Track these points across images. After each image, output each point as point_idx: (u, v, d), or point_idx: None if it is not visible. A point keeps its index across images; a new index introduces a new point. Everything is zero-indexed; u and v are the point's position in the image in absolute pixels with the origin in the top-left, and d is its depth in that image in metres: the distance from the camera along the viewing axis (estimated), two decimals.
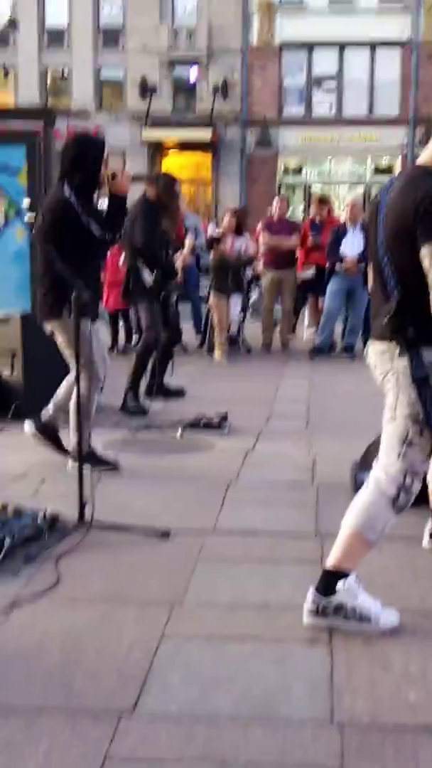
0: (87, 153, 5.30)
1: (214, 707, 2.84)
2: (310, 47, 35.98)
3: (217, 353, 10.23)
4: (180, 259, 8.18)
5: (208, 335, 10.80)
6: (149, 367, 7.58)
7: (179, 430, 6.34)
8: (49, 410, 5.58)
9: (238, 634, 3.34)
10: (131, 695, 2.90)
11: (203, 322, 11.14)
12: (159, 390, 7.78)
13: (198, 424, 6.45)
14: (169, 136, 35.92)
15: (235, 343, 10.82)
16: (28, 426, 5.62)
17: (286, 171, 37.69)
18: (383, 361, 3.46)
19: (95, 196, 5.54)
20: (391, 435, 3.47)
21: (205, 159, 36.99)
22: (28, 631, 3.35)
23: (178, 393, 7.94)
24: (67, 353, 5.35)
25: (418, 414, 3.36)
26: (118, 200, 5.39)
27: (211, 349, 10.48)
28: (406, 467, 3.40)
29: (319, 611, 3.36)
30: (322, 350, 10.52)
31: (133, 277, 7.42)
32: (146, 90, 35.53)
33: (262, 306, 11.26)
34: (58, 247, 5.16)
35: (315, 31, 34.88)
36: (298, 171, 37.72)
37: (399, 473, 3.40)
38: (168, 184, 7.52)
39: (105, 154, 5.38)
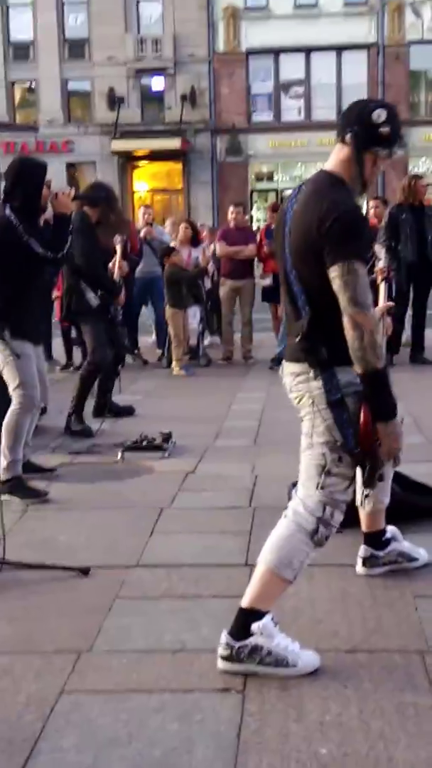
0: (27, 174, 5.35)
1: None
2: (276, 53, 35.93)
3: (174, 367, 10.00)
4: (116, 270, 7.88)
5: (166, 348, 10.57)
6: (95, 386, 7.33)
7: (119, 453, 6.08)
8: None
9: (145, 685, 3.08)
10: (17, 765, 2.64)
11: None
12: (108, 409, 7.52)
13: (140, 446, 6.19)
14: (139, 146, 35.75)
15: (196, 355, 10.59)
16: None
17: (258, 177, 37.58)
18: (297, 384, 3.25)
19: (40, 216, 5.71)
20: (308, 464, 3.25)
21: (176, 168, 36.86)
22: None
23: (128, 411, 7.69)
24: (4, 374, 5.26)
25: (336, 441, 3.13)
26: (61, 218, 5.46)
27: (170, 363, 10.24)
28: (325, 499, 3.17)
29: (233, 656, 3.12)
30: (281, 360, 10.25)
31: (75, 298, 7.17)
32: (114, 101, 35.37)
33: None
34: (0, 268, 5.19)
35: (281, 36, 34.84)
36: (270, 177, 37.62)
37: (318, 505, 3.17)
38: (105, 196, 7.28)
39: (46, 176, 5.51)
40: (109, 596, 3.80)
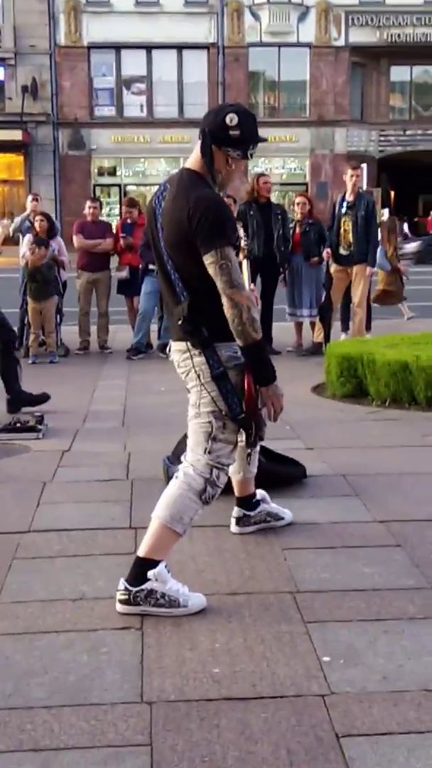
0: None
1: (28, 698, 2.95)
2: (117, 48, 36.15)
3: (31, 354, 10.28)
4: None
5: (24, 338, 10.79)
6: None
7: None
8: None
9: (52, 627, 3.45)
10: None
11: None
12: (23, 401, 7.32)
13: (12, 428, 6.47)
14: None
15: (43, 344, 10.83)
16: None
17: (100, 172, 37.73)
18: (183, 361, 3.66)
19: None
20: (196, 431, 3.66)
21: (17, 159, 36.53)
22: None
23: (43, 398, 7.44)
24: None
25: (221, 410, 3.57)
26: None
27: (27, 352, 10.47)
28: (212, 461, 3.60)
29: (130, 599, 3.52)
30: (138, 350, 10.67)
31: None
32: None
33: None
34: None
35: (122, 32, 35.12)
36: (113, 172, 37.85)
37: (206, 467, 3.60)
38: None
39: None
40: (6, 558, 4.12)
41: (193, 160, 3.64)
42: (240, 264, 3.66)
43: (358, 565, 4.01)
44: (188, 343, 3.60)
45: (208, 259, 3.43)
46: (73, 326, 11.38)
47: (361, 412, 7.22)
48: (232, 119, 3.53)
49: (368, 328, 10.93)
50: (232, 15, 36.32)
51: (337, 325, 11.20)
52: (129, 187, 37.19)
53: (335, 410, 7.36)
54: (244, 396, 3.56)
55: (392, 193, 41.20)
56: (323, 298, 10.62)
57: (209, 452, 3.61)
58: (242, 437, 3.69)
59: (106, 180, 37.80)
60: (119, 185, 37.48)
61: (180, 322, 3.57)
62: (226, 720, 2.81)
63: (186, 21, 35.67)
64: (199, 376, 3.61)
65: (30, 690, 3.00)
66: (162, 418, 6.99)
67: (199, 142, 3.62)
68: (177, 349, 3.70)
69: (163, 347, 10.81)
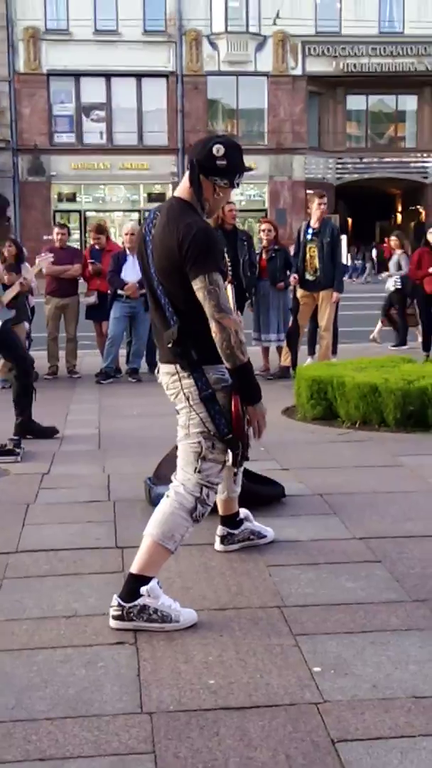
0: None
1: (31, 710, 3.03)
2: (77, 76, 36.42)
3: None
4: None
5: None
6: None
7: None
8: None
9: (48, 643, 3.53)
10: None
11: None
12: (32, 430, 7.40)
13: None
14: None
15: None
16: None
17: (60, 198, 37.87)
18: (173, 383, 3.77)
19: None
20: (186, 451, 3.77)
21: None
22: None
23: (51, 431, 7.51)
24: None
25: (209, 430, 3.69)
26: None
27: None
28: (202, 480, 3.72)
29: (124, 615, 3.61)
30: (108, 374, 10.77)
31: None
32: None
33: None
34: None
35: (81, 60, 35.41)
36: (72, 198, 38.02)
37: (196, 486, 3.72)
38: None
39: None
40: None
41: (181, 188, 3.78)
42: (225, 289, 3.79)
43: (341, 580, 4.14)
44: (177, 366, 3.72)
45: (196, 285, 3.56)
46: (41, 351, 11.44)
47: (332, 434, 7.38)
48: (218, 150, 3.68)
49: (334, 352, 11.14)
50: (191, 44, 36.81)
51: (303, 349, 11.39)
52: (89, 213, 37.37)
53: (307, 432, 7.51)
54: (231, 417, 3.69)
55: (350, 220, 41.85)
56: (290, 323, 10.81)
57: (199, 471, 3.72)
58: (229, 457, 3.81)
59: (66, 206, 37.96)
60: (79, 211, 37.64)
61: (170, 345, 3.68)
62: (225, 728, 2.91)
63: (145, 49, 36.09)
64: (188, 398, 3.72)
65: (32, 703, 3.08)
66: (137, 441, 7.09)
67: (187, 173, 3.76)
68: (166, 371, 3.82)
69: (132, 372, 10.94)
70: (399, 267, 13.96)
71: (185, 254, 3.54)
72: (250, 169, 3.86)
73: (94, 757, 2.75)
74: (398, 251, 14.29)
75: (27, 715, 3.00)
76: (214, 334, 3.57)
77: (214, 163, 3.68)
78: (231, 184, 3.75)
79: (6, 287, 7.96)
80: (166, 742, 2.83)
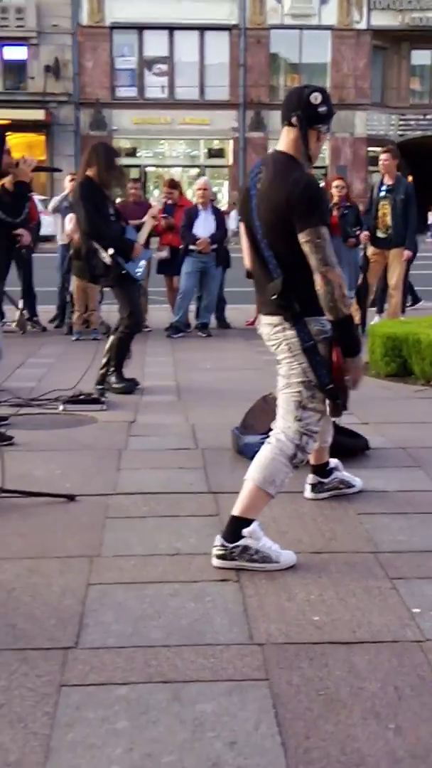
0: None
1: (148, 638, 3.22)
2: (140, 29, 36.23)
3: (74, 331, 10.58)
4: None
5: (67, 315, 11.09)
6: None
7: (61, 406, 6.62)
8: None
9: (156, 578, 3.72)
10: (72, 633, 3.24)
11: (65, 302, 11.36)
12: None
13: (79, 399, 6.73)
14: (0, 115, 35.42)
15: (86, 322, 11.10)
16: None
17: (120, 153, 37.84)
18: (275, 334, 3.91)
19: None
20: (287, 400, 3.92)
21: (38, 139, 36.70)
22: None
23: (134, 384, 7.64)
24: None
25: (310, 380, 3.83)
26: (20, 186, 5.75)
27: (70, 330, 10.77)
28: (302, 428, 3.86)
29: (226, 555, 3.79)
30: (178, 329, 10.93)
31: (95, 262, 7.33)
32: None
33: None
34: None
35: (144, 13, 35.16)
36: (133, 153, 38.00)
37: (296, 434, 3.86)
38: (104, 155, 7.41)
39: (6, 144, 5.70)
40: (99, 517, 4.40)
41: (284, 143, 3.86)
42: None
43: None
44: (280, 317, 3.84)
45: (303, 238, 3.67)
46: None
47: (408, 390, 7.48)
48: (316, 98, 3.78)
49: (402, 311, 11.16)
50: None
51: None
52: (148, 168, 37.42)
53: (382, 388, 7.61)
54: (331, 367, 3.81)
55: (411, 178, 41.22)
56: (360, 280, 10.86)
57: (299, 420, 3.86)
58: (327, 407, 3.94)
59: (127, 161, 37.78)
60: (139, 166, 37.65)
61: (274, 297, 3.81)
62: (333, 661, 3.07)
63: (208, 2, 35.74)
64: (290, 349, 3.85)
65: (148, 631, 3.27)
66: (214, 393, 7.27)
67: (286, 128, 3.85)
68: (268, 322, 3.94)
69: (202, 326, 11.09)
70: None
71: (294, 207, 3.65)
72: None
73: (213, 681, 2.93)
74: None
75: (145, 642, 3.19)
76: (318, 287, 3.69)
77: (316, 111, 3.78)
78: (328, 129, 3.87)
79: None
80: (279, 670, 3.00)
